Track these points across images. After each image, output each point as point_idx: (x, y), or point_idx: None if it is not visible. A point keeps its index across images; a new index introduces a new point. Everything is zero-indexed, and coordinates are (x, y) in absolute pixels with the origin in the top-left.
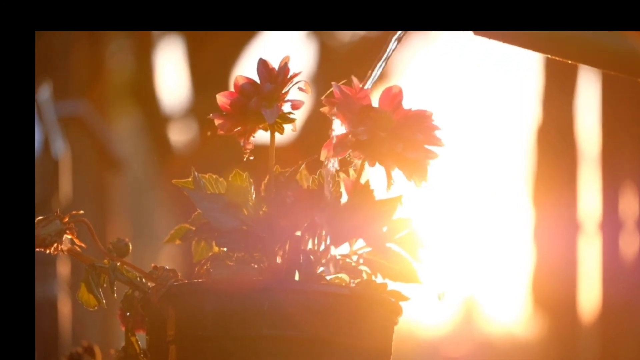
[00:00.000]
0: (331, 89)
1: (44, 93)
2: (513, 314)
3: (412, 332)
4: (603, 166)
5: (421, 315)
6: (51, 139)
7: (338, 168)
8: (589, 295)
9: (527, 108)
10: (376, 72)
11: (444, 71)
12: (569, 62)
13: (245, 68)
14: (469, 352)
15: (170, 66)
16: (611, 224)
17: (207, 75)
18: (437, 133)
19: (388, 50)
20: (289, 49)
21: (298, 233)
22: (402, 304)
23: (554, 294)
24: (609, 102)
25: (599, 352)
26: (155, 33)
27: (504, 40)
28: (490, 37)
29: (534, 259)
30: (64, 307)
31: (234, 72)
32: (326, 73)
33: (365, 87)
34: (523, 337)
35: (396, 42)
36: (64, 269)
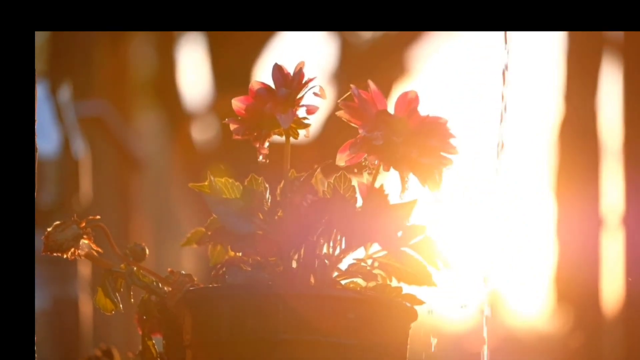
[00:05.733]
0: (348, 93)
1: (64, 94)
2: (536, 308)
3: (435, 326)
4: (626, 160)
5: (444, 309)
6: (71, 140)
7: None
8: (612, 289)
9: (550, 102)
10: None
11: (467, 67)
12: None
13: (267, 65)
14: (492, 346)
15: (192, 64)
16: (634, 217)
17: (229, 73)
18: (452, 140)
19: (506, 52)
20: (311, 46)
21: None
22: (425, 299)
23: (577, 288)
24: (632, 95)
25: (623, 345)
26: (176, 31)
27: None
28: None
29: (557, 253)
30: (85, 308)
31: (256, 69)
32: (348, 70)
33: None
34: (546, 331)
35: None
36: (84, 269)
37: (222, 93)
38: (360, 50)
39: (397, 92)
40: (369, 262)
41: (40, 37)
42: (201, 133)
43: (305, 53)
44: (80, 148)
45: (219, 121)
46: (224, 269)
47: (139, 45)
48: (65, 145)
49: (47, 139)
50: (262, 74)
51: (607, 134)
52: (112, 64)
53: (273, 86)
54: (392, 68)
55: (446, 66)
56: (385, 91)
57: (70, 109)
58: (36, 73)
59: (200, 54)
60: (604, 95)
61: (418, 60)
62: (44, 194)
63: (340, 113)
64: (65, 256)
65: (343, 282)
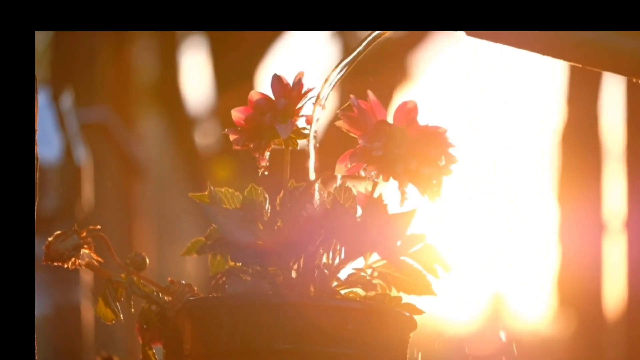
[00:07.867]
0: (347, 103)
1: (66, 100)
2: (539, 312)
3: (438, 330)
4: (628, 164)
5: (448, 312)
6: (73, 146)
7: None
8: (614, 293)
9: (552, 106)
10: (337, 76)
11: (468, 71)
12: (569, 63)
13: (270, 68)
14: (495, 349)
15: (195, 68)
16: (636, 221)
17: (231, 76)
18: (452, 150)
19: (356, 51)
20: (313, 49)
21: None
22: (427, 300)
23: (580, 291)
24: (634, 99)
25: (624, 349)
26: (179, 36)
27: (497, 41)
28: (482, 38)
29: (560, 257)
30: (87, 314)
31: (258, 72)
32: (350, 73)
33: (325, 91)
34: (549, 335)
35: (366, 43)
36: (87, 276)
37: (225, 96)
38: (363, 53)
39: (400, 95)
40: (369, 271)
41: (42, 44)
42: (204, 138)
43: (308, 57)
44: (83, 154)
45: (222, 126)
46: (223, 279)
47: (141, 50)
48: (68, 151)
49: (49, 145)
50: (264, 77)
51: (610, 138)
52: (114, 70)
53: (272, 96)
54: (394, 72)
55: (449, 69)
56: (388, 95)
57: (72, 115)
58: (38, 80)
59: (203, 58)
60: (607, 98)
61: (421, 64)
62: (46, 201)
63: (339, 123)
64: (65, 266)
65: (342, 291)
